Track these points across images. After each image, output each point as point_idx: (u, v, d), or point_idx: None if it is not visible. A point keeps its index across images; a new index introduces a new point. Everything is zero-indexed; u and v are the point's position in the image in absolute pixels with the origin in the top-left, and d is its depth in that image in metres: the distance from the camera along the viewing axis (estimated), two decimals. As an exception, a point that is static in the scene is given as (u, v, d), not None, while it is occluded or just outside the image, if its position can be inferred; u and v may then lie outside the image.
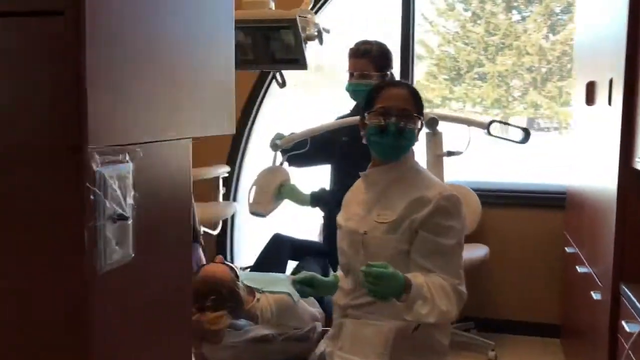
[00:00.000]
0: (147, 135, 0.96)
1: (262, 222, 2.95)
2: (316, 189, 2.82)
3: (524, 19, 8.14)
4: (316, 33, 2.56)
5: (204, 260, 2.86)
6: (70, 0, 0.79)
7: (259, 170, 2.86)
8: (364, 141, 1.98)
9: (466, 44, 8.20)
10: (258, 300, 2.33)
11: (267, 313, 2.30)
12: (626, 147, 2.26)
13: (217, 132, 1.22)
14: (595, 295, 2.54)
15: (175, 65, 1.03)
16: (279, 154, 2.85)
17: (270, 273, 2.60)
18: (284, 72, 2.91)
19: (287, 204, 2.83)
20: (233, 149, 4.21)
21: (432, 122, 2.60)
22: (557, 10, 7.91)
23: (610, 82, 2.45)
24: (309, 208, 2.82)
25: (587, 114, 2.97)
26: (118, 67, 0.87)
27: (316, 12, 3.88)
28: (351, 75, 2.77)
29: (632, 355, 2.05)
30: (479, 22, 7.97)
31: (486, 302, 3.87)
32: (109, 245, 0.88)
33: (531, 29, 7.92)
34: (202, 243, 2.91)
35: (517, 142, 2.61)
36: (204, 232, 3.90)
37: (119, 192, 0.89)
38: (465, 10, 8.18)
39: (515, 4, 7.86)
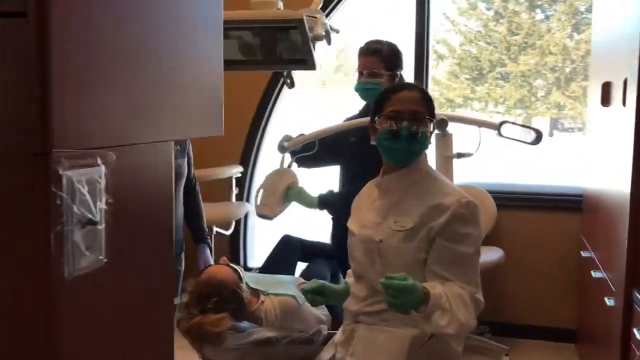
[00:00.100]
0: (121, 138, 0.95)
1: (274, 223, 2.93)
2: (324, 191, 2.79)
3: (547, 17, 8.01)
4: (324, 33, 2.52)
5: (211, 261, 2.85)
6: (34, 2, 0.77)
7: (270, 171, 2.85)
8: (373, 143, 1.94)
9: (488, 43, 8.11)
10: (262, 302, 2.31)
11: (272, 315, 2.28)
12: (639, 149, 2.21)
13: (202, 134, 1.20)
14: (609, 302, 2.48)
15: (153, 67, 1.01)
16: (287, 155, 2.83)
17: (276, 275, 2.58)
18: (294, 72, 2.89)
19: (294, 207, 2.81)
20: (246, 149, 4.22)
21: (442, 123, 2.56)
22: (582, 8, 7.77)
23: (625, 82, 2.39)
24: (316, 211, 2.80)
25: (603, 114, 2.90)
26: (87, 70, 0.86)
27: (330, 12, 3.86)
28: (360, 74, 2.73)
29: (642, 364, 1.99)
30: (501, 21, 7.87)
31: (501, 305, 3.80)
32: (78, 250, 0.86)
33: (555, 28, 7.80)
34: (210, 244, 2.90)
35: (528, 143, 2.55)
36: (217, 232, 3.91)
37: (88, 196, 0.87)
38: (488, 9, 8.09)
39: (539, 2, 7.74)
